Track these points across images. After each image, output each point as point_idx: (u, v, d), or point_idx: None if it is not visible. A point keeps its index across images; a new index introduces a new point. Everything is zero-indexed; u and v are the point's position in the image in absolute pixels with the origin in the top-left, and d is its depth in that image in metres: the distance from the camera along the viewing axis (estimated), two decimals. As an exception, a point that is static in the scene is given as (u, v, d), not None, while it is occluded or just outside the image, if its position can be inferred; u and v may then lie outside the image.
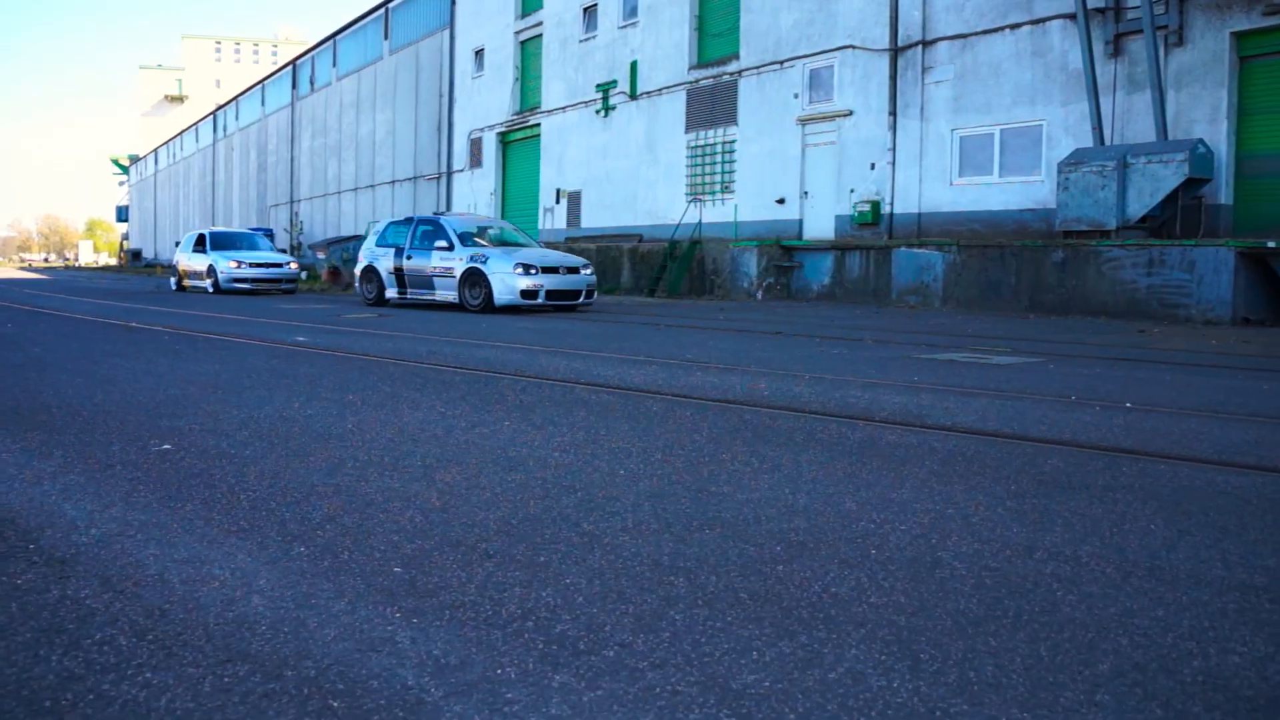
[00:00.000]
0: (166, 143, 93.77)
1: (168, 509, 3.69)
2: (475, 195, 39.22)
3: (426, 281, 18.97)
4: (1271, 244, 15.55)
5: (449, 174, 41.07)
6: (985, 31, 21.15)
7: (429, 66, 42.98)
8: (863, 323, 14.82)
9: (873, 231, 23.10)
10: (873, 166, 23.20)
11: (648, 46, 29.94)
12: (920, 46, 22.26)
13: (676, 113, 28.90)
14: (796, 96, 25.08)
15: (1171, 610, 2.79)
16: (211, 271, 26.18)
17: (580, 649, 2.40)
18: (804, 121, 24.89)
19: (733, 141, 27.09)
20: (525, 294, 17.37)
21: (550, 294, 17.63)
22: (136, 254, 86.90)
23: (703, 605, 2.73)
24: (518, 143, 37.36)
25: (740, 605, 2.74)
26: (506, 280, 17.36)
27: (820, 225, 24.54)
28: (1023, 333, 14.04)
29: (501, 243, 19.35)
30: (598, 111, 32.01)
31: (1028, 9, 20.47)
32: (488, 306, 17.53)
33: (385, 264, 19.97)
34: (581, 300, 18.35)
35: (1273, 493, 4.26)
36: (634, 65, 30.40)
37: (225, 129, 73.80)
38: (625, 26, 30.92)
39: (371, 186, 48.29)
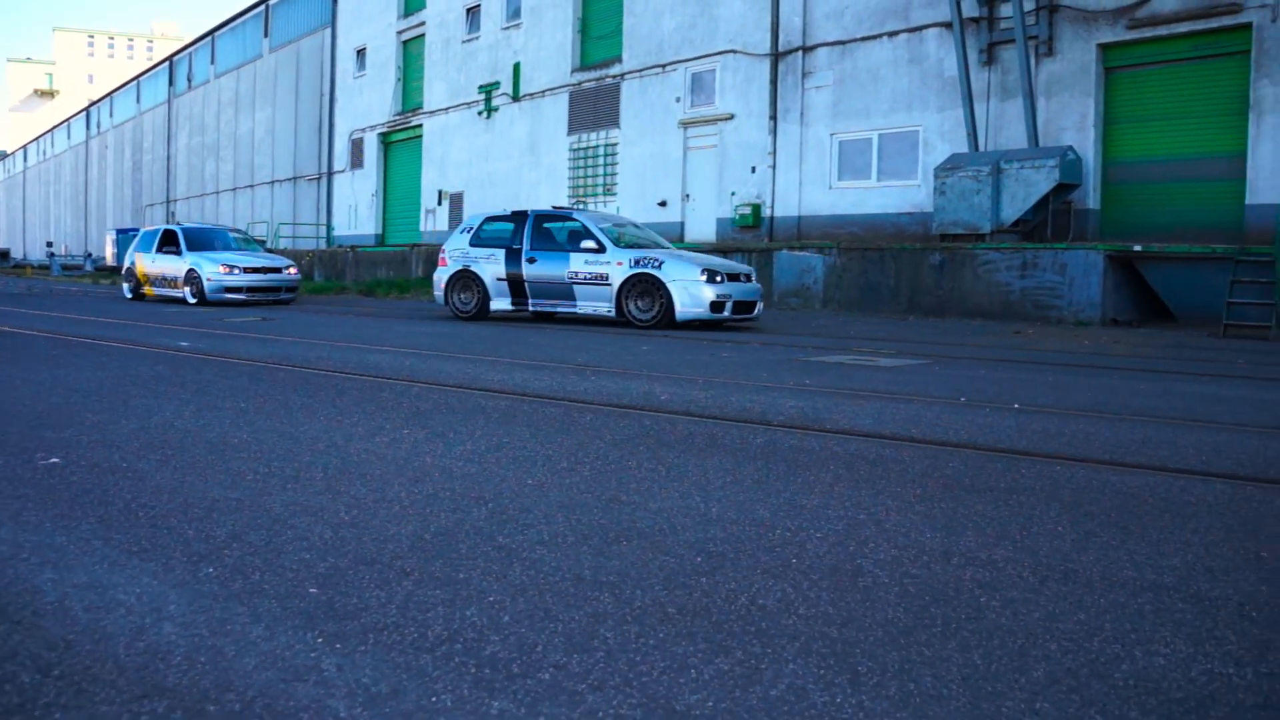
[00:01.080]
0: (36, 139, 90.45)
1: (62, 529, 3.48)
2: (356, 196, 38.60)
3: (563, 291, 15.24)
4: (1138, 247, 16.16)
5: (330, 174, 40.33)
6: (864, 38, 21.57)
7: (310, 65, 42.16)
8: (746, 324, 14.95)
9: (754, 234, 23.35)
10: (754, 170, 23.46)
11: (531, 48, 29.80)
12: (801, 52, 22.58)
13: (559, 115, 28.84)
14: (678, 100, 25.24)
15: (1092, 613, 2.83)
16: (192, 278, 21.12)
17: (514, 672, 2.32)
18: (686, 125, 25.05)
19: (615, 144, 27.15)
20: (714, 306, 14.23)
21: (736, 306, 14.59)
22: (4, 254, 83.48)
23: (632, 621, 2.67)
24: (399, 143, 36.87)
25: (670, 620, 2.68)
26: (691, 290, 14.11)
27: (702, 228, 24.72)
28: (904, 334, 14.34)
29: (640, 244, 15.93)
30: (480, 113, 31.76)
31: (905, 17, 20.93)
32: (664, 321, 14.25)
33: (491, 269, 16.03)
34: (756, 313, 15.34)
35: (1166, 492, 4.37)
36: (517, 67, 30.24)
37: (99, 125, 71.39)
38: (508, 28, 30.74)
39: (251, 187, 47.18)
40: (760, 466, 4.70)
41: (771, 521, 3.72)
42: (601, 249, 14.80)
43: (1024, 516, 3.88)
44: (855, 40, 21.73)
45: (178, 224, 23.36)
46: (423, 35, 35.06)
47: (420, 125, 34.95)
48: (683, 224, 25.20)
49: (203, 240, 22.44)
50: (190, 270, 21.16)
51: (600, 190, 27.56)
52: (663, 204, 25.34)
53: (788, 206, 22.90)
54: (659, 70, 25.72)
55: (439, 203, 33.72)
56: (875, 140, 21.48)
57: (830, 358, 10.34)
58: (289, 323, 15.29)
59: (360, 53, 38.77)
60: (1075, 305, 16.32)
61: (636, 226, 17.20)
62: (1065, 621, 2.76)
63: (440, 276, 16.94)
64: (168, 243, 22.34)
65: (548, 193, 29.05)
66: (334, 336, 12.49)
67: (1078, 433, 5.86)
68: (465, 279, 16.45)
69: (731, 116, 24.02)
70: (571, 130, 28.42)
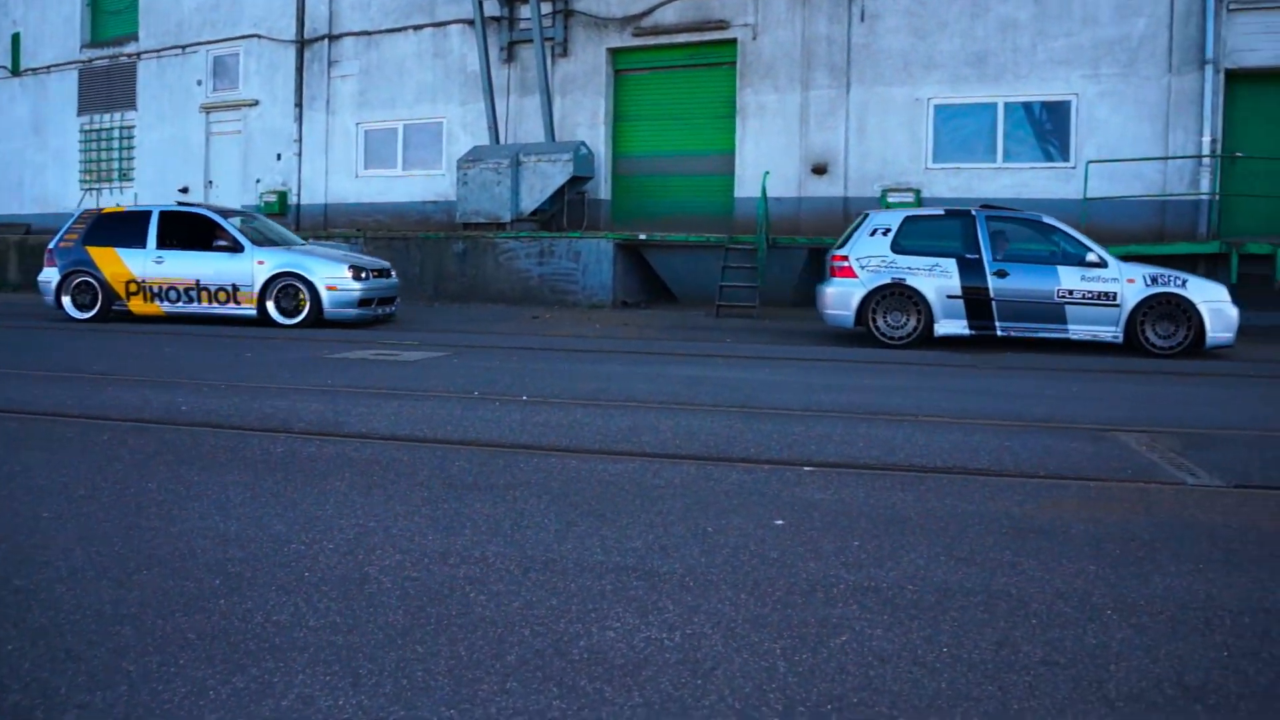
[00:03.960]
0: None
1: None
2: None
3: (1050, 312, 12.28)
4: (642, 236, 17.68)
5: None
6: (390, 30, 21.80)
7: None
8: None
9: (280, 222, 22.90)
10: (279, 157, 23.03)
11: (33, 19, 27.15)
12: (327, 40, 22.41)
13: (68, 93, 26.58)
14: (200, 83, 24.18)
15: (563, 598, 3.35)
16: (289, 290, 13.89)
17: (37, 719, 2.44)
18: (209, 109, 24.07)
19: (132, 127, 25.52)
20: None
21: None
22: None
23: (154, 651, 2.84)
24: None
25: (190, 646, 2.89)
26: (1225, 312, 11.94)
27: (225, 214, 23.89)
28: (430, 322, 14.78)
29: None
30: (-29, 87, 28.60)
31: (430, 12, 21.38)
32: (1194, 348, 11.90)
33: (936, 282, 12.48)
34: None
35: (641, 476, 5.06)
36: (16, 38, 27.45)
37: None
38: (5, -7, 27.88)
39: None
40: (279, 479, 4.90)
41: (287, 536, 3.97)
42: (1103, 263, 12.22)
43: (517, 511, 4.38)
44: (381, 32, 21.89)
45: (201, 206, 15.96)
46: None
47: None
48: (205, 211, 24.24)
49: (269, 233, 15.51)
50: (279, 275, 13.88)
51: (117, 176, 25.79)
52: (184, 190, 24.17)
53: (314, 194, 22.69)
54: (179, 51, 24.47)
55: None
56: (401, 130, 21.81)
57: (354, 353, 10.55)
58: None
59: None
60: (589, 290, 17.54)
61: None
62: (540, 608, 3.26)
63: (826, 290, 13.09)
64: (181, 233, 14.91)
65: (56, 178, 26.70)
66: None
67: (575, 423, 6.52)
68: (895, 294, 12.67)
69: (256, 103, 23.39)
70: (83, 111, 26.31)
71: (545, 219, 19.32)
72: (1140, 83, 16.45)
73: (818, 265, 17.84)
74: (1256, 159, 15.87)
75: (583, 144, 19.10)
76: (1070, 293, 12.17)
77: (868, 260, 12.71)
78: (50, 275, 14.99)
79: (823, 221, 17.88)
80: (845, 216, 17.69)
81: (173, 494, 4.60)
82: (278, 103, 23.10)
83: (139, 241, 14.59)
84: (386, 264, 15.27)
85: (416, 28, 21.54)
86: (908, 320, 12.56)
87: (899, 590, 3.49)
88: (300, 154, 22.79)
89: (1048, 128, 17.30)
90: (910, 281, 12.51)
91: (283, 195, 22.76)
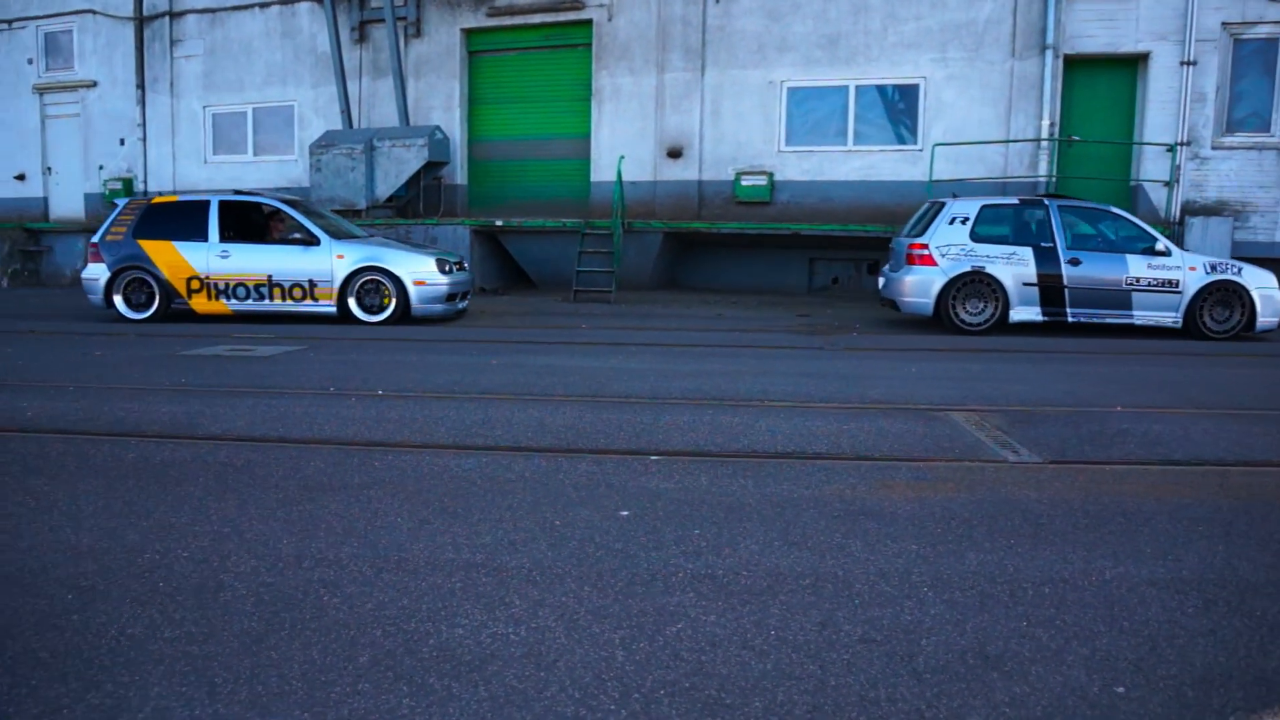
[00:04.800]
0: None
1: None
2: None
3: (1116, 298, 12.92)
4: (499, 222, 17.76)
5: None
6: (235, 8, 21.22)
7: None
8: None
9: (127, 208, 22.24)
10: (123, 142, 22.29)
11: None
12: (168, 18, 21.71)
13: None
14: (31, 62, 23.20)
15: (414, 597, 3.51)
16: (371, 285, 13.28)
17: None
18: (42, 90, 23.09)
19: (-43, 108, 24.40)
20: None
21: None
22: None
23: (4, 673, 2.91)
24: None
25: (44, 665, 2.95)
26: (1274, 298, 12.81)
27: (70, 204, 23.04)
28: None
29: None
30: None
31: (276, -12, 20.94)
32: (1245, 331, 12.83)
33: (1013, 270, 12.96)
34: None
35: (494, 471, 5.22)
36: None
37: None
38: None
39: None
40: (132, 486, 4.91)
41: (142, 545, 4.02)
42: (1166, 252, 12.90)
43: (371, 511, 4.51)
44: (226, 9, 21.30)
45: (263, 194, 14.62)
46: None
47: None
48: (46, 199, 23.29)
49: (344, 227, 14.70)
50: (363, 270, 13.25)
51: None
52: (20, 178, 23.23)
53: (162, 181, 22.01)
54: (5, 26, 23.43)
55: None
56: (250, 114, 21.30)
57: (208, 349, 10.42)
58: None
59: None
60: (448, 277, 17.53)
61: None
62: (392, 608, 3.41)
63: (905, 280, 13.22)
64: (237, 224, 14.15)
65: None
66: None
67: (429, 418, 6.63)
68: (972, 281, 13.00)
69: (95, 84, 22.54)
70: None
71: (401, 205, 19.22)
72: (985, 67, 17.13)
73: (673, 249, 18.23)
74: (1091, 142, 16.73)
75: (438, 128, 19.03)
76: (1137, 280, 12.81)
77: (947, 249, 13.01)
78: (97, 272, 13.76)
79: (678, 205, 18.22)
80: (700, 200, 18.07)
81: (20, 506, 4.57)
82: (118, 84, 22.33)
83: (199, 234, 13.62)
84: (461, 256, 14.65)
85: (263, 5, 21.03)
86: (986, 307, 12.94)
87: (734, 577, 3.74)
88: (145, 139, 22.09)
89: (897, 111, 17.86)
90: (989, 269, 12.89)
91: (128, 183, 22.06)
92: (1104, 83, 17.09)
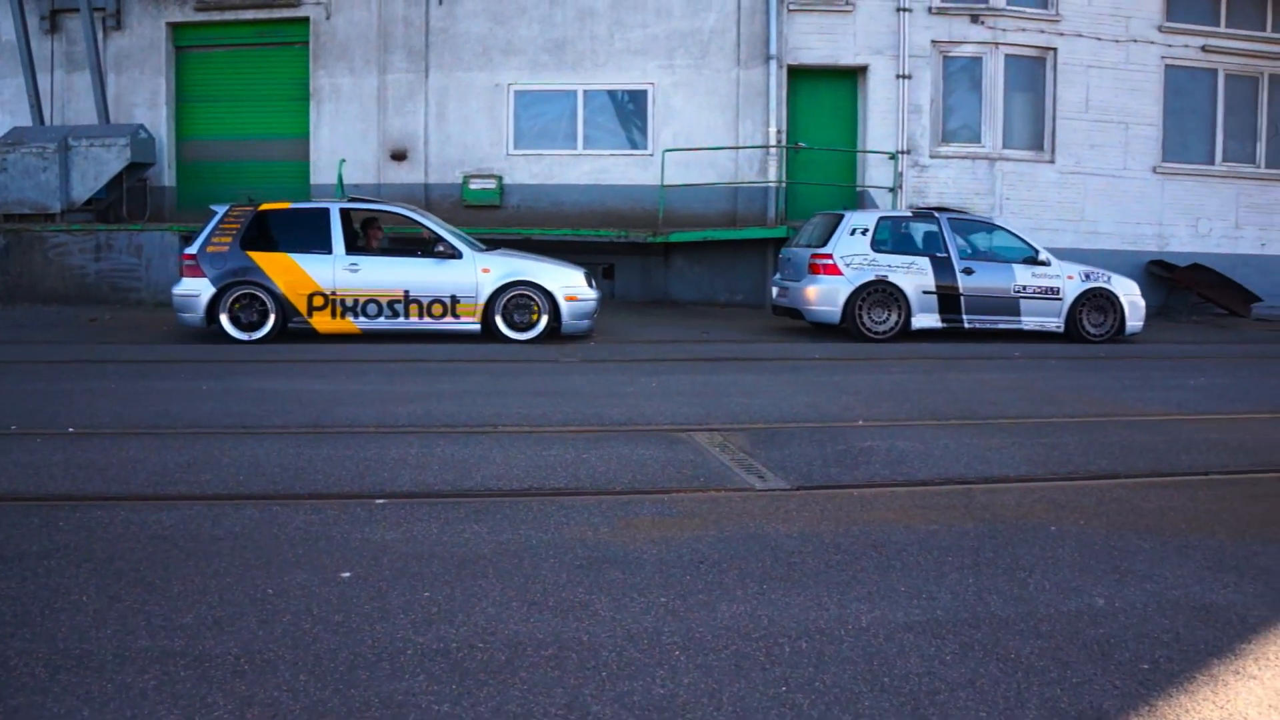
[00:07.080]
0: None
1: None
2: None
3: (1006, 305, 13.67)
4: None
5: None
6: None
7: None
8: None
9: None
10: None
11: None
12: None
13: None
14: None
15: (97, 705, 3.02)
16: (521, 301, 12.33)
17: None
18: None
19: None
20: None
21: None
22: None
23: None
24: None
25: None
26: (1138, 304, 14.02)
27: None
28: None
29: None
30: None
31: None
32: (1115, 335, 13.81)
33: (914, 280, 13.38)
34: None
35: (197, 527, 4.70)
36: None
37: None
38: None
39: None
40: None
41: None
42: (1047, 262, 13.84)
43: (50, 589, 3.91)
44: (-112, -11, 19.14)
45: (404, 205, 13.49)
46: None
47: None
48: None
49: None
50: (509, 285, 12.27)
51: None
52: None
53: None
54: None
55: None
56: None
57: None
58: None
59: None
60: (154, 286, 16.30)
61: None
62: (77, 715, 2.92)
63: (812, 290, 13.68)
64: (355, 234, 12.90)
65: None
66: None
67: (128, 460, 5.97)
68: (875, 292, 13.42)
69: None
70: None
71: (102, 209, 17.77)
72: (712, 74, 17.48)
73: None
74: (816, 150, 17.34)
75: (142, 127, 17.71)
76: (1024, 288, 13.69)
77: (852, 258, 13.35)
78: (197, 287, 12.03)
79: (404, 210, 17.64)
80: (427, 203, 17.52)
81: None
82: None
83: (321, 245, 12.20)
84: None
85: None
86: (889, 315, 13.35)
87: (469, 651, 3.44)
88: None
89: (628, 115, 18.01)
90: (892, 278, 13.32)
91: None
92: (827, 92, 17.78)
